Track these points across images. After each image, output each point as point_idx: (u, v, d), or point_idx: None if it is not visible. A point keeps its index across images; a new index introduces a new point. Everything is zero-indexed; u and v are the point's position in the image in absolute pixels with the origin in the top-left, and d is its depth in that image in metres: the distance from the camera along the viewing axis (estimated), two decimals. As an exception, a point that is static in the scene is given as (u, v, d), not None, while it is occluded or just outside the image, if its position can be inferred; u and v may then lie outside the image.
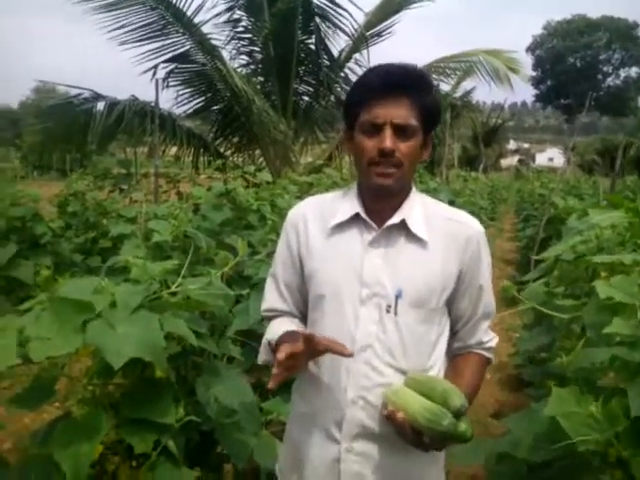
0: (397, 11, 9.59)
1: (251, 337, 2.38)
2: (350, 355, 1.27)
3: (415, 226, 1.41)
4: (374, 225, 1.42)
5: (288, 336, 1.41)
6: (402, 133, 1.35)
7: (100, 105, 8.33)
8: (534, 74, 56.03)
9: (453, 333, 1.53)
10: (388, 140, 1.33)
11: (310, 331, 1.31)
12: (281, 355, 1.23)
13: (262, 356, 1.53)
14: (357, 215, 1.44)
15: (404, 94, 1.35)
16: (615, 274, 1.83)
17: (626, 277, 1.67)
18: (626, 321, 1.48)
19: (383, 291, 1.39)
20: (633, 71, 56.83)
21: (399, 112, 1.34)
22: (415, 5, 9.60)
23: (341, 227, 1.45)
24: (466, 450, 1.89)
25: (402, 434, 1.28)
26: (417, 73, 1.40)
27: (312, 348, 1.25)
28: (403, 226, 1.42)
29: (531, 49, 58.67)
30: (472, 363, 1.50)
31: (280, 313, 1.57)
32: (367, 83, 1.38)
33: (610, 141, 34.53)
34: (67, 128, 8.36)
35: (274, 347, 1.43)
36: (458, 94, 11.54)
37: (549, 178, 13.27)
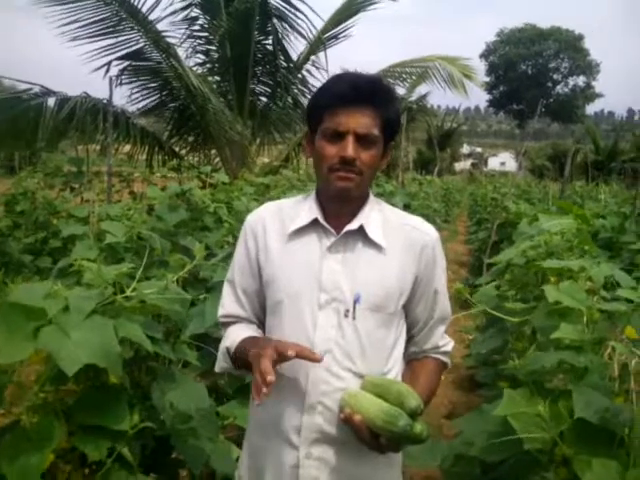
0: (354, 14, 9.65)
1: (207, 340, 2.35)
2: (319, 361, 1.29)
3: (373, 232, 1.43)
4: (333, 231, 1.44)
5: (249, 343, 1.42)
6: (364, 142, 1.37)
7: (50, 101, 8.07)
8: (487, 80, 57.39)
9: (409, 337, 1.55)
10: (350, 148, 1.35)
11: (278, 339, 1.32)
12: (271, 377, 1.21)
13: (221, 364, 1.52)
14: (316, 220, 1.45)
15: (369, 105, 1.37)
16: (563, 279, 1.90)
17: (574, 283, 1.74)
18: (573, 326, 1.54)
19: (341, 296, 1.40)
20: (581, 80, 58.86)
21: (363, 121, 1.36)
22: (372, 7, 9.68)
23: (300, 233, 1.46)
24: (422, 452, 1.92)
25: (359, 436, 1.29)
26: (384, 86, 1.43)
27: (282, 355, 1.26)
28: (361, 232, 1.43)
29: (484, 55, 60.11)
30: (428, 367, 1.53)
31: (237, 319, 1.56)
32: (334, 90, 1.39)
33: (560, 146, 35.58)
34: (15, 124, 8.04)
35: (233, 355, 1.45)
36: (413, 98, 11.66)
37: (501, 182, 13.61)
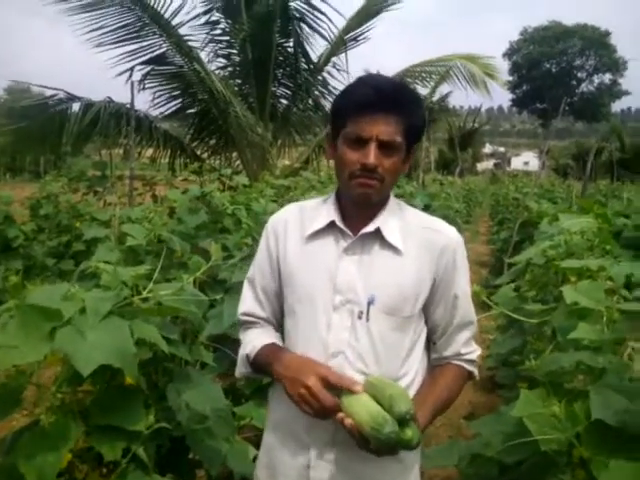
0: (375, 14, 9.64)
1: (225, 341, 2.37)
2: (357, 392, 1.29)
3: (390, 235, 1.42)
4: (349, 233, 1.43)
5: (269, 352, 1.46)
6: (386, 149, 1.35)
7: (75, 106, 8.25)
8: (510, 79, 56.68)
9: (433, 344, 1.53)
10: (372, 156, 1.33)
11: (324, 372, 1.33)
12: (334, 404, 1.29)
13: (240, 369, 1.56)
14: (333, 223, 1.45)
15: (393, 111, 1.34)
16: (583, 279, 1.86)
17: (592, 282, 1.71)
18: (592, 326, 1.51)
19: (355, 298, 1.40)
20: (606, 77, 57.84)
21: (386, 128, 1.34)
22: (392, 8, 9.66)
23: (318, 235, 1.46)
24: (439, 452, 1.91)
25: (353, 438, 1.28)
26: (409, 91, 1.41)
27: (326, 382, 1.31)
28: (378, 234, 1.42)
29: (508, 55, 59.46)
30: (448, 374, 1.50)
31: (257, 319, 1.58)
32: (358, 95, 1.36)
33: (584, 145, 35.05)
34: (41, 129, 8.24)
35: (252, 361, 1.49)
36: (435, 98, 11.60)
37: (524, 182, 13.46)
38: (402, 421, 1.22)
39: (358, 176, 1.36)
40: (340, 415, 1.27)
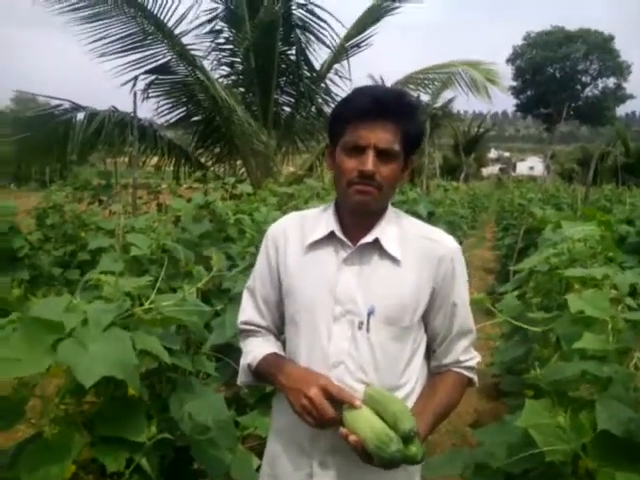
0: (376, 20, 9.67)
1: (228, 351, 2.37)
2: (358, 407, 1.30)
3: (388, 245, 1.43)
4: (349, 243, 1.44)
5: (269, 359, 1.47)
6: (384, 157, 1.36)
7: (80, 116, 8.30)
8: (514, 84, 56.62)
9: (432, 352, 1.53)
10: (370, 163, 1.34)
11: (324, 383, 1.34)
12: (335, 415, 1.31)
13: (242, 378, 1.57)
14: (332, 233, 1.45)
15: (391, 119, 1.36)
16: (587, 287, 1.85)
17: (597, 291, 1.70)
18: (596, 335, 1.50)
19: (355, 308, 1.40)
20: (610, 81, 57.71)
21: (384, 136, 1.35)
22: (394, 13, 9.68)
23: (317, 245, 1.47)
24: (443, 461, 1.90)
25: (356, 454, 1.28)
26: (407, 100, 1.42)
27: (327, 394, 1.32)
28: (377, 244, 1.43)
29: (511, 60, 59.41)
30: (448, 382, 1.50)
31: (257, 328, 1.59)
32: (357, 104, 1.38)
33: (589, 150, 35.05)
34: (46, 139, 8.29)
35: (255, 370, 1.50)
36: (438, 104, 11.61)
37: (528, 187, 13.44)
38: (406, 438, 1.22)
39: (356, 183, 1.37)
40: (344, 431, 1.27)
